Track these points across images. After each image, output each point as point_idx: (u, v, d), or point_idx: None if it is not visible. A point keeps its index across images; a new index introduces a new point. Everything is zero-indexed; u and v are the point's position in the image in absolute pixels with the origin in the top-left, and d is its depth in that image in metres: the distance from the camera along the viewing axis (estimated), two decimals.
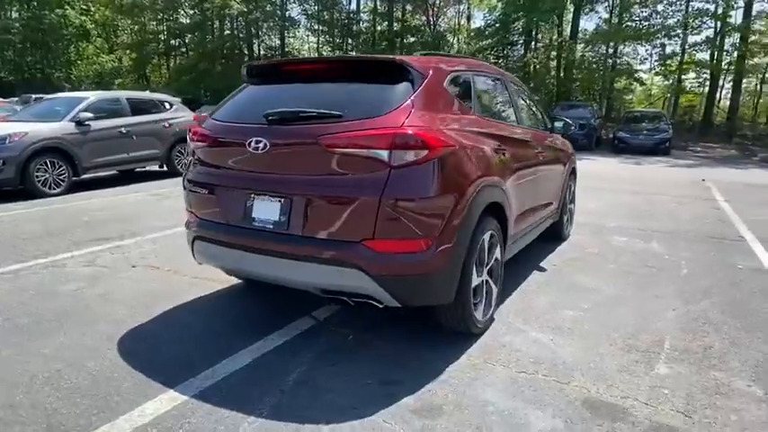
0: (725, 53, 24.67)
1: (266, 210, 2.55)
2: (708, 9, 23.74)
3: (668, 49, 25.13)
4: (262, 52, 37.90)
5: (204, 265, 3.02)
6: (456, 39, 33.97)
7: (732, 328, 3.04)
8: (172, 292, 3.52)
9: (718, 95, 26.95)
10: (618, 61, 25.99)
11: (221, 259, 2.83)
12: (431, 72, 2.65)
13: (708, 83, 26.24)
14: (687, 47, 24.83)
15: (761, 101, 26.80)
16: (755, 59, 24.74)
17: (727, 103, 26.58)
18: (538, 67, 26.93)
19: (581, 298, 3.51)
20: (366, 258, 2.31)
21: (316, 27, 36.92)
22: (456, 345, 2.77)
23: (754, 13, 23.20)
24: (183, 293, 3.50)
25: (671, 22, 24.19)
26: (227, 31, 34.78)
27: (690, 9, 24.08)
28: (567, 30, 27.08)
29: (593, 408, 2.20)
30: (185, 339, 2.83)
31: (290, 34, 38.26)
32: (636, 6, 24.38)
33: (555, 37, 28.00)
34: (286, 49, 38.19)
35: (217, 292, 3.58)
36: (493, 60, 30.07)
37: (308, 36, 39.37)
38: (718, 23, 23.75)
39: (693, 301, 3.48)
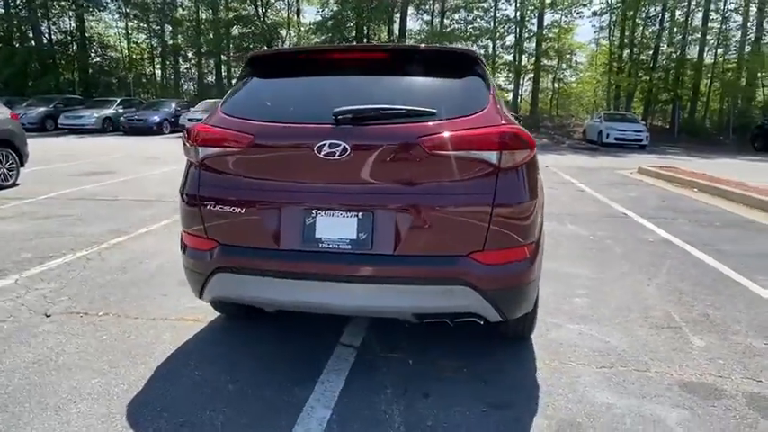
0: (526, 55, 28.94)
1: (337, 227, 2.10)
2: (510, 17, 27.56)
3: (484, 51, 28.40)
4: (54, 37, 32.03)
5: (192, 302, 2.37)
6: (288, 33, 33.32)
7: (705, 295, 3.53)
8: (136, 346, 2.70)
9: (519, 92, 31.48)
10: None
11: (263, 292, 2.23)
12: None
13: (513, 81, 30.45)
14: (499, 49, 28.47)
15: (556, 96, 32.15)
16: (548, 61, 29.54)
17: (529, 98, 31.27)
18: None
19: (572, 284, 3.71)
20: (476, 273, 2.05)
21: (126, 10, 32.51)
22: (516, 349, 2.69)
23: (546, 22, 27.64)
24: (156, 345, 2.71)
25: (485, 26, 27.35)
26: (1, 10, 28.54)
27: (498, 15, 27.55)
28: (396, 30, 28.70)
29: (692, 390, 2.32)
30: (217, 411, 2.17)
31: (93, 16, 33.06)
32: (461, 11, 27.06)
33: (385, 36, 29.45)
34: (86, 34, 32.94)
35: (204, 334, 2.87)
36: None
37: (116, 21, 34.50)
38: (518, 29, 27.68)
39: (653, 275, 3.96)
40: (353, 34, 28.49)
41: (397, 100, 2.15)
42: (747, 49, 25.07)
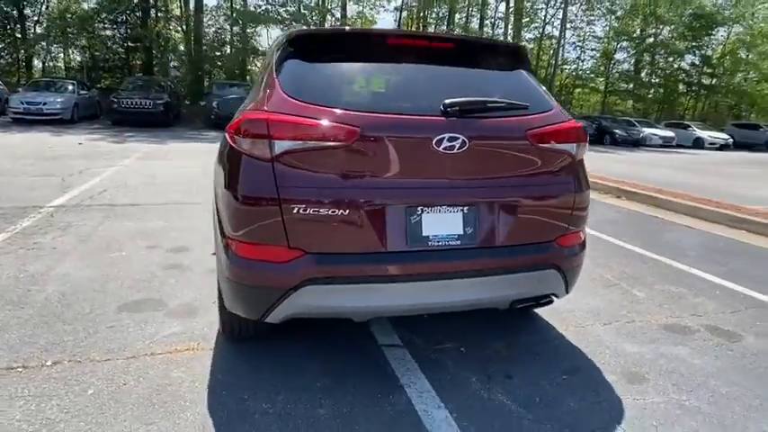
0: None
1: (443, 223, 2.06)
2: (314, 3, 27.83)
3: None
4: None
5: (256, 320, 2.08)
6: None
7: (616, 262, 4.41)
8: (149, 392, 2.17)
9: None
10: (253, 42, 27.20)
11: (365, 300, 2.04)
12: None
13: None
14: None
15: None
16: None
17: None
18: (161, 39, 25.22)
19: None
20: (561, 256, 2.27)
21: None
22: (529, 323, 3.01)
23: (351, 13, 28.70)
24: (175, 386, 2.22)
25: (292, 9, 27.01)
26: None
27: (305, 1, 27.50)
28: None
29: (674, 331, 2.97)
30: None
31: None
32: None
33: (179, 6, 26.84)
34: None
35: (222, 363, 2.44)
36: (108, 27, 26.31)
37: None
38: (322, 16, 28.19)
39: None
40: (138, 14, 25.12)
41: (484, 92, 2.19)
42: None
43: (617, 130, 24.23)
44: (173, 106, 18.01)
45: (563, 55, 32.57)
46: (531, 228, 2.19)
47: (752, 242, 5.27)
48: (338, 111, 1.95)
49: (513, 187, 2.15)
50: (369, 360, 2.50)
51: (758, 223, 5.59)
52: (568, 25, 30.62)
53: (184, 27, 25.57)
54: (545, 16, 31.33)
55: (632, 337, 2.87)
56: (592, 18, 31.42)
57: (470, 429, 1.98)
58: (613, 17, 30.85)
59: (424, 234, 2.03)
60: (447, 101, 2.02)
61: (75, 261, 3.72)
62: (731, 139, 24.79)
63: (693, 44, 31.49)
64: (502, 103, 2.16)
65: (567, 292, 2.43)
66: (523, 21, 29.92)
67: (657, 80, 32.07)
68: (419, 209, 2.03)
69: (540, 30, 31.65)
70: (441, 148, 1.98)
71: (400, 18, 31.14)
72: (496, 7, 30.40)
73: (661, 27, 30.22)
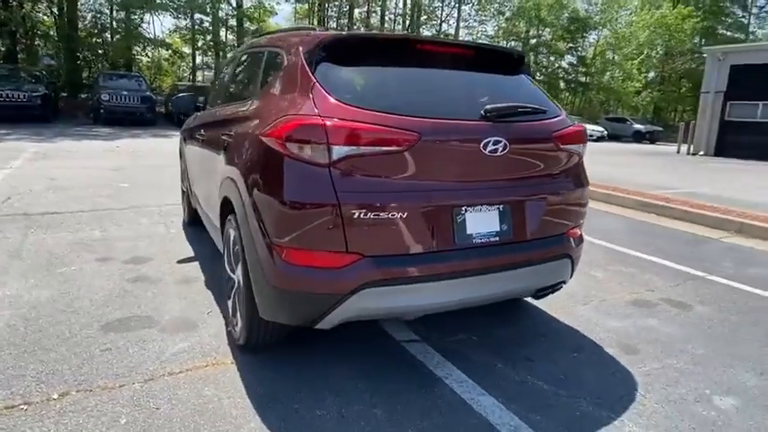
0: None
1: (484, 222, 2.20)
2: None
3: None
4: None
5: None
6: None
7: None
8: (198, 416, 2.06)
9: None
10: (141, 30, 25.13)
11: (418, 299, 2.10)
12: None
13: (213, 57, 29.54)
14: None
15: None
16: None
17: None
18: (28, 23, 22.40)
19: None
20: (571, 246, 2.53)
21: None
22: (522, 309, 3.27)
23: (249, 3, 27.67)
24: (217, 403, 2.13)
25: None
26: None
27: None
28: None
29: (640, 305, 3.41)
30: None
31: None
32: None
33: None
34: None
35: (253, 375, 2.36)
36: None
37: None
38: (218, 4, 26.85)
39: None
40: None
41: (505, 96, 2.36)
42: None
43: None
44: (51, 99, 16.14)
45: None
46: (551, 222, 2.41)
47: (662, 224, 6.11)
48: (394, 116, 1.99)
49: (539, 185, 2.36)
50: (395, 357, 2.57)
51: (663, 207, 6.49)
52: (462, 24, 32.32)
53: (56, 10, 22.87)
54: (441, 14, 32.77)
55: (610, 313, 3.24)
56: (484, 18, 33.47)
57: (521, 412, 2.14)
58: (503, 18, 33.14)
59: (468, 232, 2.16)
60: (488, 106, 2.15)
61: (20, 281, 3.31)
62: (605, 132, 27.89)
63: (571, 45, 34.90)
64: (530, 108, 2.35)
65: (571, 278, 2.71)
66: (422, 18, 31.01)
67: (542, 78, 35.07)
68: (463, 209, 2.15)
69: (438, 27, 33.03)
70: (487, 151, 2.11)
71: (311, 10, 30.59)
72: (396, 3, 31.18)
73: (543, 29, 33.08)
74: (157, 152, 10.67)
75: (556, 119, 2.42)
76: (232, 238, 2.56)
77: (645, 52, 35.89)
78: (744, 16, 44.18)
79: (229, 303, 2.72)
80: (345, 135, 1.93)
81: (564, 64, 35.64)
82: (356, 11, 30.56)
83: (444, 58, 2.39)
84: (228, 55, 29.85)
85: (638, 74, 36.30)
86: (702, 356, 2.73)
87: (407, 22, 31.31)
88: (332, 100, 2.01)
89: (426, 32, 32.78)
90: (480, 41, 2.33)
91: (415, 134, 1.99)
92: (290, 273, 2.02)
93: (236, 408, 2.10)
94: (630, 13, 37.28)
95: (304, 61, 2.21)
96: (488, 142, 2.11)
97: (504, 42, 33.95)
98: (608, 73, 37.47)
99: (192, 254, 4.07)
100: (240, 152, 2.35)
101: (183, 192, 5.16)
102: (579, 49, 35.53)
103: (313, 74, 2.14)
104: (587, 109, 38.24)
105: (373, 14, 31.29)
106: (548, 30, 32.72)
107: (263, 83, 2.67)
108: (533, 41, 33.64)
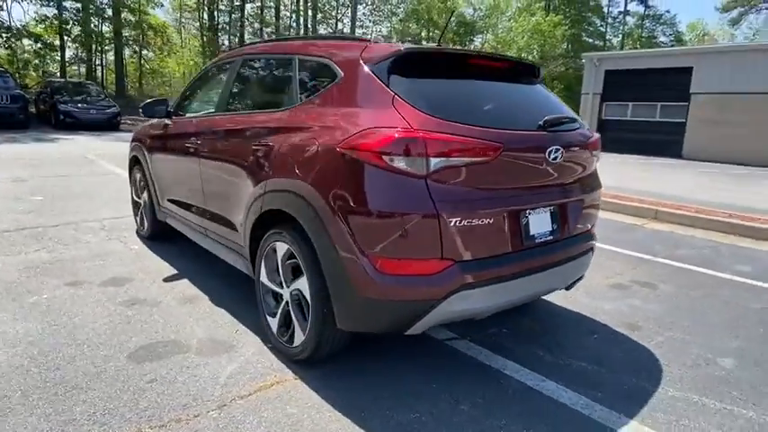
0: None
1: (541, 223, 2.43)
2: None
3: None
4: None
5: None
6: None
7: None
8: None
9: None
10: None
11: (501, 297, 2.29)
12: None
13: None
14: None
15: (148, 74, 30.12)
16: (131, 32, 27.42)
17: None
18: None
19: None
20: (594, 241, 2.87)
21: None
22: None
23: None
24: (298, 416, 2.12)
25: None
26: None
27: None
28: None
29: (620, 288, 3.89)
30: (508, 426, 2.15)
31: None
32: None
33: None
34: None
35: (327, 390, 2.35)
36: None
37: None
38: None
39: None
40: None
41: (544, 107, 2.61)
42: None
43: None
44: None
45: None
46: (583, 220, 2.72)
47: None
48: (479, 128, 2.14)
49: (577, 188, 2.64)
50: (450, 357, 2.71)
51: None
52: (358, 23, 32.76)
53: None
54: (336, 14, 32.92)
55: (601, 298, 3.68)
56: (378, 19, 34.25)
57: (582, 391, 2.40)
58: (397, 19, 34.19)
59: (531, 233, 2.37)
60: (547, 117, 2.38)
61: None
62: None
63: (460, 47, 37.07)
64: (571, 117, 2.62)
65: None
66: (318, 17, 30.89)
67: None
68: (527, 211, 2.36)
69: (333, 26, 33.13)
70: (550, 159, 2.34)
71: (200, 2, 28.83)
72: (291, 0, 30.69)
73: (434, 31, 34.66)
74: (53, 159, 9.57)
75: (584, 127, 2.73)
76: (282, 254, 2.52)
77: (523, 56, 39.22)
78: (602, 25, 50.30)
79: (273, 320, 2.67)
80: (442, 147, 2.03)
81: None
82: (248, 6, 29.60)
83: (494, 71, 2.58)
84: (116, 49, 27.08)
85: None
86: (689, 328, 3.23)
87: (302, 19, 31.01)
88: (419, 113, 2.10)
89: (322, 31, 32.76)
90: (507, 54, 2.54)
91: (500, 145, 2.15)
92: (385, 282, 2.07)
93: (330, 421, 2.11)
94: (509, 19, 40.54)
95: (373, 73, 2.26)
96: (551, 150, 2.34)
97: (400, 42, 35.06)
98: None
99: (174, 271, 3.82)
100: (304, 164, 2.32)
101: (137, 204, 4.78)
102: None
103: (388, 86, 2.20)
104: None
105: (267, 10, 30.51)
106: (439, 32, 34.35)
107: (303, 92, 2.63)
108: (425, 43, 35.10)
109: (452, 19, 35.32)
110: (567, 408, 2.28)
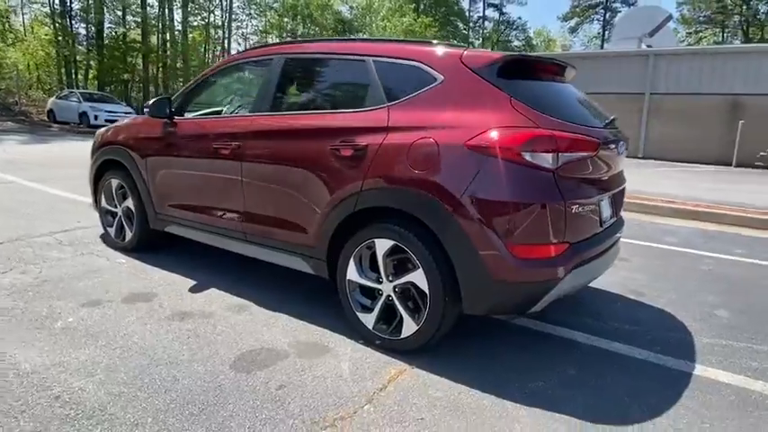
0: None
1: (607, 208, 2.86)
2: None
3: None
4: None
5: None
6: None
7: None
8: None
9: None
10: None
11: (588, 275, 2.66)
12: None
13: None
14: None
15: None
16: None
17: None
18: None
19: None
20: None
21: None
22: None
23: None
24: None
25: None
26: None
27: None
28: None
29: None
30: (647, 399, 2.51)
31: None
32: None
33: None
34: None
35: (450, 375, 2.52)
36: None
37: None
38: None
39: None
40: None
41: (592, 106, 3.04)
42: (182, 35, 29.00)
43: None
44: None
45: (229, 46, 33.42)
46: (621, 208, 3.21)
47: None
48: (584, 126, 2.48)
49: (622, 178, 3.12)
50: (523, 334, 3.02)
51: None
52: (233, 16, 31.50)
53: None
54: (209, 6, 31.24)
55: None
56: (254, 12, 33.21)
57: (642, 347, 2.86)
58: (274, 14, 33.44)
59: (603, 217, 2.79)
60: (609, 117, 2.81)
61: (29, 348, 2.59)
62: None
63: None
64: (609, 117, 3.07)
65: None
66: (189, 6, 29.07)
67: None
68: (602, 199, 2.76)
69: (207, 18, 31.42)
70: (618, 153, 2.77)
71: None
72: None
73: (313, 27, 34.53)
74: None
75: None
76: (383, 250, 2.61)
77: None
78: (465, 29, 54.44)
79: (366, 316, 2.74)
80: (568, 144, 2.34)
81: None
82: None
83: (558, 73, 2.94)
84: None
85: None
86: (676, 290, 3.93)
87: (166, 9, 28.93)
88: (537, 113, 2.37)
89: (195, 22, 30.91)
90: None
91: (598, 140, 2.52)
92: (519, 266, 2.32)
93: (482, 397, 2.29)
94: (383, 19, 41.91)
95: (482, 77, 2.48)
96: (620, 145, 2.77)
97: (278, 38, 34.43)
98: None
99: (191, 281, 3.61)
100: (421, 161, 2.45)
101: (110, 213, 4.35)
102: None
103: (501, 88, 2.44)
104: None
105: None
106: (318, 29, 34.31)
107: (389, 93, 2.71)
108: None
109: (330, 17, 35.63)
110: (646, 362, 2.73)
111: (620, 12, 49.96)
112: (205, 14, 31.51)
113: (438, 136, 2.45)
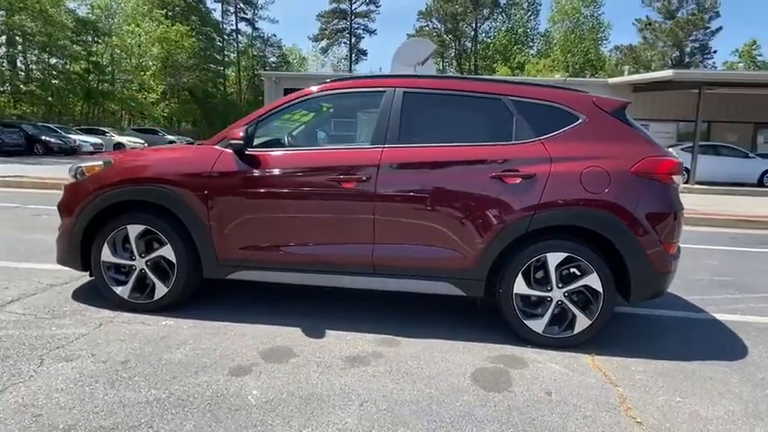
0: None
1: None
2: None
3: None
4: None
5: None
6: None
7: None
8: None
9: None
10: None
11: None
12: None
13: None
14: None
15: None
16: None
17: None
18: None
19: None
20: None
21: None
22: None
23: None
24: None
25: None
26: None
27: None
28: None
29: None
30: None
31: None
32: None
33: None
34: None
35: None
36: None
37: None
38: None
39: None
40: None
41: None
42: None
43: (51, 138, 22.90)
44: None
45: None
46: None
47: None
48: None
49: None
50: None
51: None
52: None
53: None
54: None
55: None
56: None
57: (710, 312, 4.02)
58: None
59: None
60: None
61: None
62: (145, 144, 27.54)
63: (84, 51, 32.37)
64: None
65: None
66: None
67: (57, 82, 30.96)
68: None
69: None
70: None
71: None
72: None
73: (46, 25, 28.80)
74: None
75: None
76: (556, 262, 3.10)
77: (158, 65, 37.72)
78: (221, 41, 53.08)
79: (536, 322, 3.16)
80: (681, 165, 3.27)
81: (79, 69, 32.51)
82: None
83: None
84: None
85: (154, 85, 37.73)
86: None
87: None
88: (658, 144, 3.25)
89: None
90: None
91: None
92: (669, 260, 3.15)
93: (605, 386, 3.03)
94: (128, 23, 37.76)
95: (615, 117, 3.23)
96: None
97: None
98: (119, 83, 36.84)
99: (296, 328, 3.35)
100: (595, 185, 3.04)
101: (122, 269, 3.54)
102: (94, 55, 33.39)
103: (630, 126, 3.25)
104: (108, 119, 36.59)
105: None
106: (55, 28, 28.78)
107: (534, 128, 3.21)
108: (40, 39, 28.76)
109: (69, 17, 30.50)
110: (716, 322, 3.85)
111: (363, 38, 56.98)
112: None
113: (603, 164, 3.09)
